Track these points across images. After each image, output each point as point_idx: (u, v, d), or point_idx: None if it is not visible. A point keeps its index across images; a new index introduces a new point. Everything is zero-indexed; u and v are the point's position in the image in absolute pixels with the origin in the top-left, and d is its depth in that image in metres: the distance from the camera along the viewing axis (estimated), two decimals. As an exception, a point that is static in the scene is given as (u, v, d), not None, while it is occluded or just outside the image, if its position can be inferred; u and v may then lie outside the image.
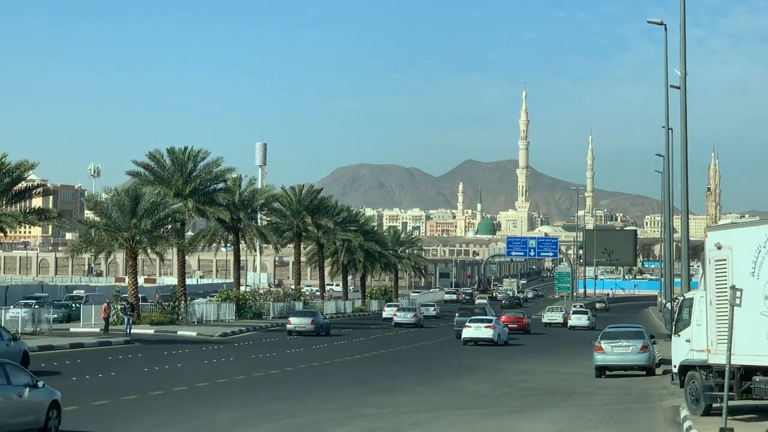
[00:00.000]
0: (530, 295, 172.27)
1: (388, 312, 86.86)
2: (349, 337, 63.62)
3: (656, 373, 37.89)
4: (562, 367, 42.27)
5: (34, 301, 68.70)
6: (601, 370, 37.42)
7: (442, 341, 62.39)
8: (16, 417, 18.67)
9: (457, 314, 70.17)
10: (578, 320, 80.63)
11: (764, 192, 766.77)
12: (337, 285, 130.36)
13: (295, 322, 63.76)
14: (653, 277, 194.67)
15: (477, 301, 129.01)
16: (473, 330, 57.09)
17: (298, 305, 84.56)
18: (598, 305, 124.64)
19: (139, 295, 65.50)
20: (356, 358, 46.15)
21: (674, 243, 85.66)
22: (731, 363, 20.90)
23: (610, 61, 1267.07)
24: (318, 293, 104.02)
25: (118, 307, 58.82)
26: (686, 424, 22.16)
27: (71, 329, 58.27)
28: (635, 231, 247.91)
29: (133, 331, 54.77)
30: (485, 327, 57.38)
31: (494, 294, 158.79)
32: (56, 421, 19.79)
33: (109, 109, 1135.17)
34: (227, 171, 73.53)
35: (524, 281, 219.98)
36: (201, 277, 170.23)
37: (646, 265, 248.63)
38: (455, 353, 51.31)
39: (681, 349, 25.79)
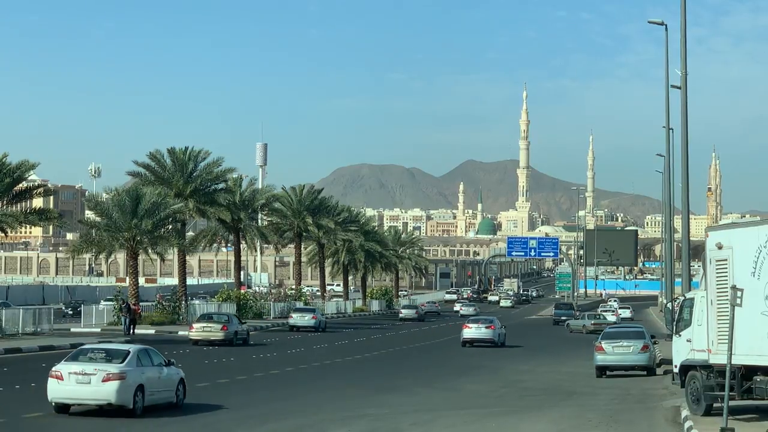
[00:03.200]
0: (534, 294, 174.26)
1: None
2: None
3: (657, 373, 37.87)
4: (563, 367, 42.28)
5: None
6: (602, 370, 37.41)
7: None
8: None
9: (554, 308, 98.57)
10: (624, 313, 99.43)
11: (765, 192, 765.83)
12: (338, 285, 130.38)
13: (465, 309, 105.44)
14: (654, 277, 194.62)
15: (490, 299, 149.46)
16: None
17: (299, 305, 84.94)
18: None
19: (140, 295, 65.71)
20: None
21: (675, 243, 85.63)
22: (732, 363, 20.89)
23: (611, 60, 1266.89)
24: (319, 293, 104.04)
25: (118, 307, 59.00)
26: (687, 424, 22.15)
27: (72, 329, 58.33)
28: (636, 231, 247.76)
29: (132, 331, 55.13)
30: (611, 314, 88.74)
31: (499, 295, 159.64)
32: None
33: (109, 109, 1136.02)
34: (228, 171, 73.60)
35: (520, 282, 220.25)
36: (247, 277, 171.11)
37: (647, 265, 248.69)
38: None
39: (682, 349, 25.77)
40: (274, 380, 33.98)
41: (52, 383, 23.24)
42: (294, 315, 69.35)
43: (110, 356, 23.77)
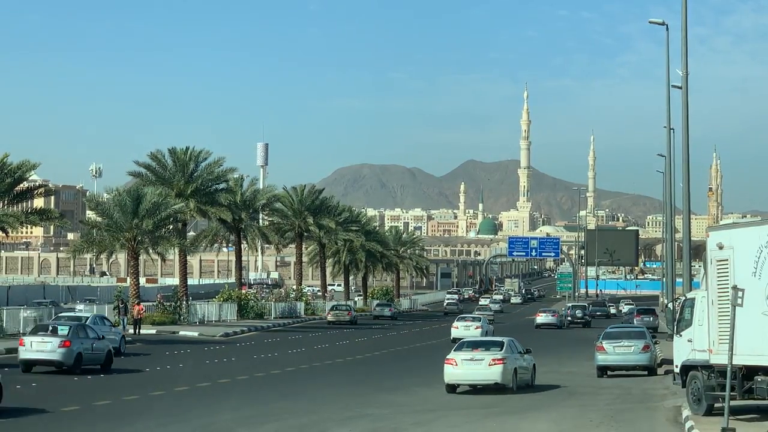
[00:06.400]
0: (535, 293, 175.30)
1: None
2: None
3: (658, 373, 37.82)
4: (564, 367, 42.23)
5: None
6: (603, 370, 37.37)
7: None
8: None
9: (591, 305, 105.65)
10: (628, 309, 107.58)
11: (766, 192, 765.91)
12: (339, 285, 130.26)
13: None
14: (655, 277, 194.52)
15: (495, 298, 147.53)
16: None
17: (299, 305, 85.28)
18: None
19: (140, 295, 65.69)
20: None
21: (676, 243, 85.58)
22: (733, 363, 20.90)
23: (613, 60, 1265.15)
24: (320, 293, 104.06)
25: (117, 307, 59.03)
26: (688, 424, 22.15)
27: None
28: (637, 231, 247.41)
29: (132, 331, 55.14)
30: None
31: (503, 294, 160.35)
32: None
33: (110, 109, 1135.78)
34: (229, 171, 73.61)
35: (521, 282, 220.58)
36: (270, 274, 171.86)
37: (648, 265, 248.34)
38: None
39: (683, 349, 25.74)
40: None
41: None
42: (377, 308, 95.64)
43: None
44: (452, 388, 30.77)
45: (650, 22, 45.23)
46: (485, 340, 35.16)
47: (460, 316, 62.41)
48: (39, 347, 34.69)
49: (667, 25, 45.92)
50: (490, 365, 30.27)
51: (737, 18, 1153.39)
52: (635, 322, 78.73)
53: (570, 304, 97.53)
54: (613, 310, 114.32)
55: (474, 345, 32.11)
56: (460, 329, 56.23)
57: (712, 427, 20.80)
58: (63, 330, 35.36)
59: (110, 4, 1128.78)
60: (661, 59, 51.09)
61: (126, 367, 37.40)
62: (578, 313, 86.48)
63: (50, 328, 36.15)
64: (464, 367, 30.47)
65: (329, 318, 79.81)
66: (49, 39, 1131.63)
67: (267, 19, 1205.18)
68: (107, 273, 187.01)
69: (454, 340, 48.51)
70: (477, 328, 56.05)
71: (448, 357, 30.85)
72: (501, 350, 30.83)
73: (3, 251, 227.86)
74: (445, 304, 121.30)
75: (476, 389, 30.81)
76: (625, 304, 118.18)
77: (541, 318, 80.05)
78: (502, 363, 30.30)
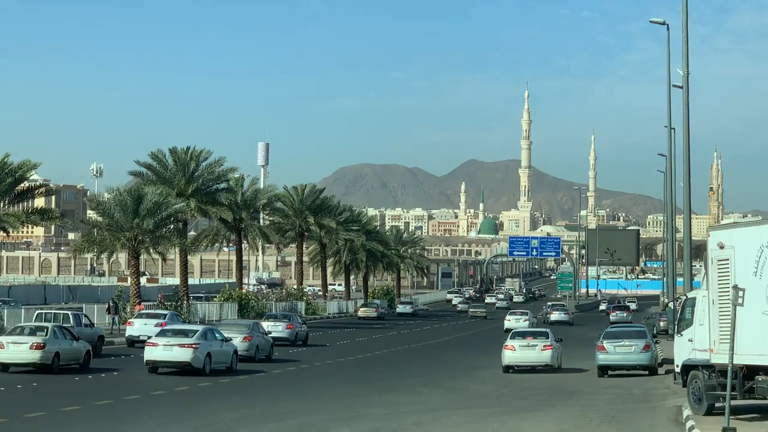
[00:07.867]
0: (537, 293, 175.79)
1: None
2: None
3: (659, 373, 37.81)
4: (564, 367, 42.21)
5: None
6: (604, 370, 37.35)
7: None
8: None
9: (608, 302, 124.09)
10: (630, 305, 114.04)
11: (767, 191, 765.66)
12: (340, 285, 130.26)
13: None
14: (655, 277, 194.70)
15: (498, 296, 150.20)
16: None
17: (300, 305, 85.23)
18: None
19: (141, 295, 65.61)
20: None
21: (677, 243, 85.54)
22: (734, 362, 20.89)
23: (614, 59, 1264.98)
24: (320, 293, 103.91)
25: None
26: (689, 424, 22.14)
27: (74, 329, 58.21)
28: (638, 231, 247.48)
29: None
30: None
31: (505, 293, 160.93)
32: None
33: (111, 109, 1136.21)
34: (229, 171, 73.46)
35: (522, 282, 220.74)
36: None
37: (649, 265, 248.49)
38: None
39: (683, 349, 25.74)
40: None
41: None
42: (400, 306, 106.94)
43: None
44: (508, 369, 38.07)
45: (651, 22, 45.20)
46: (533, 330, 43.08)
47: (511, 311, 79.61)
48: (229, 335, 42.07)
49: (667, 25, 45.90)
50: (542, 350, 37.91)
51: (738, 17, 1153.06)
52: (611, 317, 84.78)
53: (550, 304, 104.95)
54: None
55: (524, 334, 39.67)
56: (512, 321, 69.20)
57: (712, 427, 20.79)
58: (242, 327, 43.76)
59: (110, 4, 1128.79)
60: (662, 58, 51.07)
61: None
62: None
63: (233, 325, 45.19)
64: (521, 352, 38.02)
65: (359, 314, 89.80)
66: (49, 39, 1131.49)
67: (268, 19, 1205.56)
68: (146, 273, 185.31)
69: (507, 330, 57.59)
70: (525, 320, 69.34)
71: (506, 344, 38.26)
72: (548, 339, 38.41)
73: (4, 251, 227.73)
74: (455, 302, 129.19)
75: (515, 369, 38.11)
76: (628, 302, 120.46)
77: (555, 316, 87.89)
78: (552, 348, 37.94)
